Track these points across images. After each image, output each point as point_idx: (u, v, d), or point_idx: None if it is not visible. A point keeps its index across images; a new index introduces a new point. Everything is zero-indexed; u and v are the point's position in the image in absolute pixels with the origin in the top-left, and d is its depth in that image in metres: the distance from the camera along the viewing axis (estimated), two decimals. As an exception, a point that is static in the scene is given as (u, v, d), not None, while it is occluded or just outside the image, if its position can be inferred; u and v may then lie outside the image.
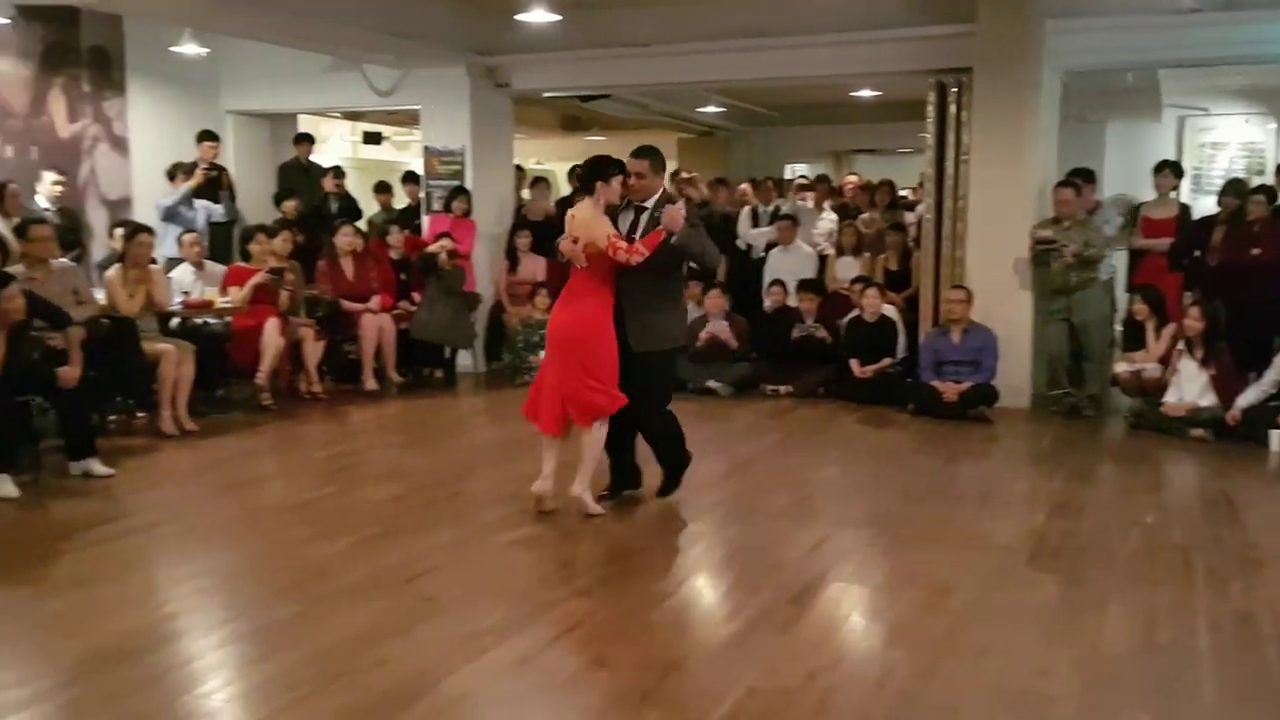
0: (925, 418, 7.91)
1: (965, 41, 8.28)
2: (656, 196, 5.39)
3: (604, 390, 5.22)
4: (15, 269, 6.25)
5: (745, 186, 10.83)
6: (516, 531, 5.26)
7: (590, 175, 5.37)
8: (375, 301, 8.95)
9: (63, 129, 9.09)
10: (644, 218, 5.35)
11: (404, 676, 3.55)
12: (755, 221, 10.15)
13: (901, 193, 11.07)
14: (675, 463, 5.64)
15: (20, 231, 6.64)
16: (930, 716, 3.36)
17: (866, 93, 12.79)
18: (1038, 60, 8.09)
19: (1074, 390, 8.09)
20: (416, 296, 9.32)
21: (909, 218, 9.89)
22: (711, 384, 8.84)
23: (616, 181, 5.30)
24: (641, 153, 5.41)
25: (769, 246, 9.78)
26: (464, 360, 9.88)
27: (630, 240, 5.24)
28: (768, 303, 9.28)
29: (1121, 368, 7.94)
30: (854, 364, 8.59)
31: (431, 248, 9.33)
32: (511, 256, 9.99)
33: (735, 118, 15.29)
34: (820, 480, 6.49)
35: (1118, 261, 8.84)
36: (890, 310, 8.75)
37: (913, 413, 8.07)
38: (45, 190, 8.14)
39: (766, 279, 9.44)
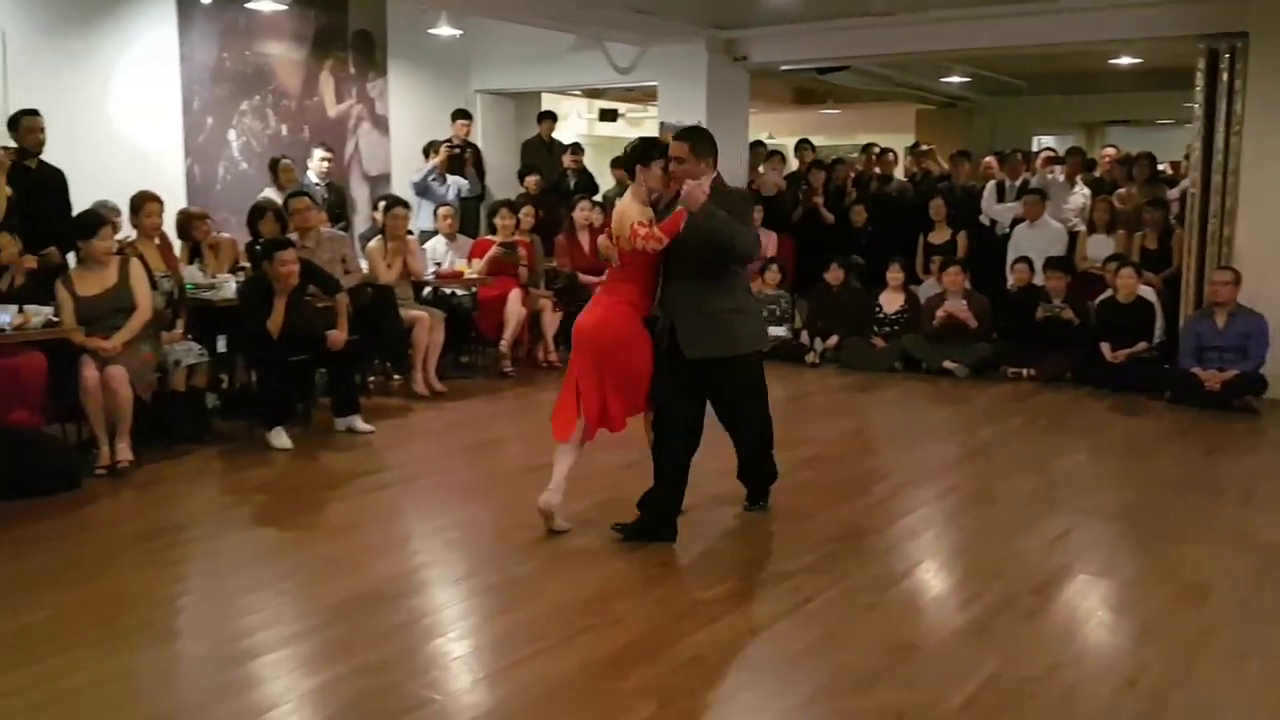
0: (1183, 406, 7.41)
1: (1241, 4, 7.66)
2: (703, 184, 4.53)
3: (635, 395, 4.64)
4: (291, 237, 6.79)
5: (990, 160, 10.41)
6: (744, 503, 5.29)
7: (631, 158, 4.78)
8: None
9: (330, 109, 9.75)
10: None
11: (640, 635, 3.65)
12: (1000, 196, 9.75)
13: (1159, 166, 10.35)
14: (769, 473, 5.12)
15: (285, 203, 7.21)
16: (1185, 718, 3.17)
17: (1125, 60, 11.99)
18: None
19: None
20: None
21: (1171, 193, 9.24)
22: (948, 364, 8.58)
23: (657, 166, 4.57)
24: (685, 135, 4.66)
25: (1014, 222, 9.37)
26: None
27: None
28: (1011, 281, 8.90)
29: None
30: (1105, 347, 8.13)
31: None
32: (744, 231, 9.99)
33: (980, 88, 14.71)
34: (1066, 468, 6.19)
35: None
36: (1147, 291, 8.21)
37: (1169, 401, 7.57)
38: (314, 166, 8.77)
39: (1010, 256, 9.04)
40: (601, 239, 4.79)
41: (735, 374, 4.65)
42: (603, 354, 4.58)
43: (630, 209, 4.54)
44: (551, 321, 8.72)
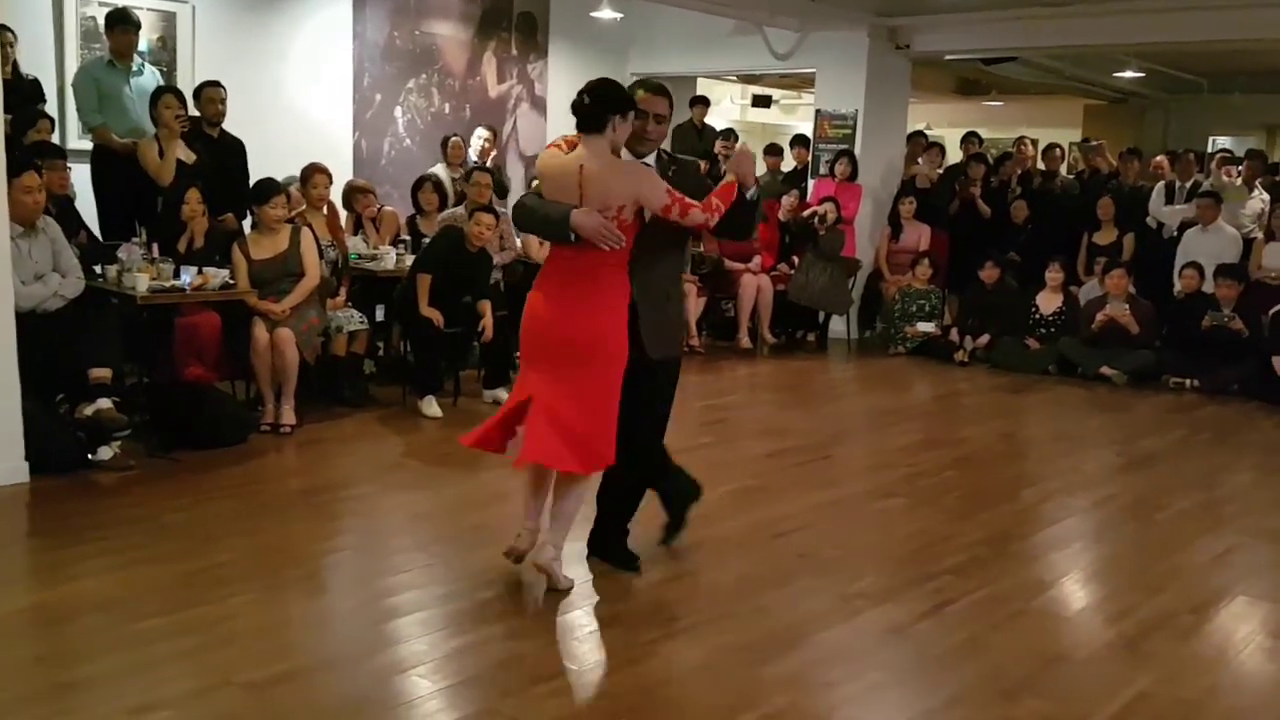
0: (1364, 429, 6.98)
1: None
2: (653, 156, 3.86)
3: (608, 431, 3.75)
4: (457, 211, 7.00)
5: (1162, 159, 9.95)
6: (889, 500, 5.24)
7: (603, 104, 3.65)
8: (756, 262, 9.14)
9: (492, 89, 9.97)
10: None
11: (780, 625, 3.65)
12: (1170, 198, 9.31)
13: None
14: (683, 501, 4.30)
15: (465, 179, 7.41)
16: (1357, 759, 3.00)
17: (1317, 58, 11.29)
18: None
19: None
20: (796, 259, 9.41)
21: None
22: (1106, 370, 8.26)
23: (634, 123, 3.71)
24: (661, 90, 3.81)
25: (1184, 226, 8.94)
26: (837, 326, 9.87)
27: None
28: (1178, 287, 8.50)
29: None
30: (1277, 361, 7.70)
31: (808, 211, 9.37)
32: (894, 223, 9.84)
33: (1155, 84, 14.04)
34: (1232, 485, 5.90)
35: None
36: (1329, 304, 7.75)
37: (1348, 422, 7.14)
38: (475, 145, 8.97)
39: (1179, 261, 8.63)
40: (589, 217, 3.61)
41: (670, 375, 3.98)
42: (583, 362, 3.72)
43: (636, 174, 3.68)
44: (695, 306, 8.75)
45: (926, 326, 9.26)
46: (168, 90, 6.60)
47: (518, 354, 7.82)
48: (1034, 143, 10.88)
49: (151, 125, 6.47)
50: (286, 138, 7.86)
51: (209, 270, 5.71)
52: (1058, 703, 3.20)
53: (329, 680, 3.20)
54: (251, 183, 6.45)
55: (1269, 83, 13.24)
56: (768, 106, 15.79)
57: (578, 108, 3.68)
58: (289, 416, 5.86)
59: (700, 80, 12.15)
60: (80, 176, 6.63)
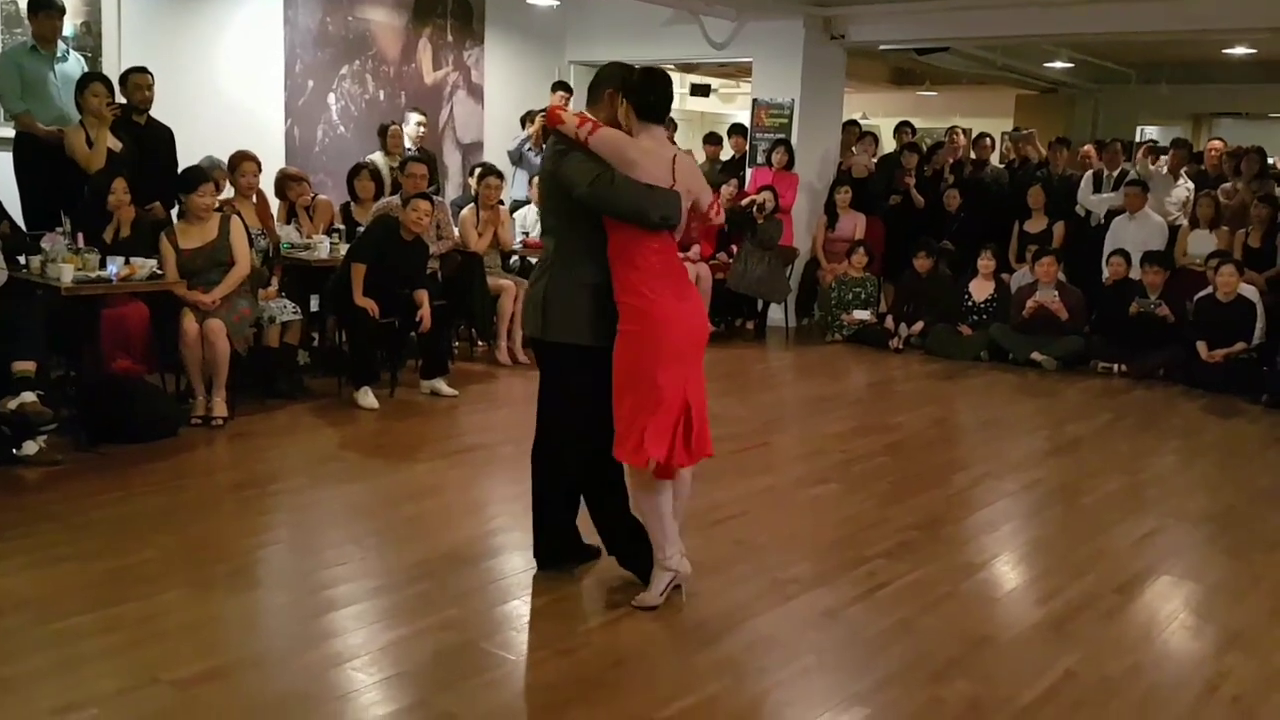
0: (1282, 411, 7.19)
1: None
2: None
3: None
4: (392, 200, 6.91)
5: (1089, 148, 10.14)
6: (824, 486, 5.30)
7: (627, 87, 3.63)
8: (694, 250, 9.16)
9: (427, 76, 9.86)
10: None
11: (715, 612, 3.68)
12: (1098, 186, 9.50)
13: (1269, 161, 9.98)
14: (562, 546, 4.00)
15: (401, 168, 7.34)
16: (1271, 731, 3.10)
17: (1240, 50, 11.58)
18: None
19: None
20: (734, 248, 9.45)
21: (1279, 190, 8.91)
22: (1036, 356, 8.42)
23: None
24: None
25: (1112, 214, 9.14)
26: (775, 314, 9.94)
27: None
28: (1106, 274, 8.69)
29: None
30: (1202, 346, 7.90)
31: (746, 200, 9.41)
32: (830, 212, 9.93)
33: (1085, 74, 14.32)
34: (1155, 468, 6.05)
35: None
36: (1249, 290, 7.95)
37: (1267, 404, 7.35)
38: (410, 131, 8.87)
39: (1107, 249, 8.83)
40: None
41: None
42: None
43: (690, 159, 3.76)
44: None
45: (862, 314, 9.36)
46: (95, 77, 6.45)
47: (454, 344, 7.81)
48: (966, 132, 11.03)
49: (76, 112, 6.32)
50: (216, 125, 7.72)
51: (136, 260, 5.60)
52: (986, 683, 3.27)
53: (260, 676, 3.17)
54: (179, 171, 6.32)
55: (1195, 73, 13.58)
56: (706, 95, 15.81)
57: (666, 98, 3.64)
58: (220, 409, 5.77)
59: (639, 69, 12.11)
60: (2, 165, 6.45)
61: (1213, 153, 10.12)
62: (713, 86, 15.83)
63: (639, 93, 3.61)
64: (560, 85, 10.05)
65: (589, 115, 3.63)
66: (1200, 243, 8.66)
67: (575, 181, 3.51)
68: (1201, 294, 8.07)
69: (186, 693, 3.01)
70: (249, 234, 6.19)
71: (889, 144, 11.56)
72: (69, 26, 7.03)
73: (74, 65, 6.65)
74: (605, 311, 3.59)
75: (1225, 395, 7.57)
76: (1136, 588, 4.11)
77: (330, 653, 3.31)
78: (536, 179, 3.11)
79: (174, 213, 6.46)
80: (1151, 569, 4.32)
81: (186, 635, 3.36)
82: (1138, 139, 13.37)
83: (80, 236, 5.67)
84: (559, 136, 3.62)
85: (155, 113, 6.80)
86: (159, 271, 5.69)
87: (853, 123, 11.14)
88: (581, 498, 3.91)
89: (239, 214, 6.24)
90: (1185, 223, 8.97)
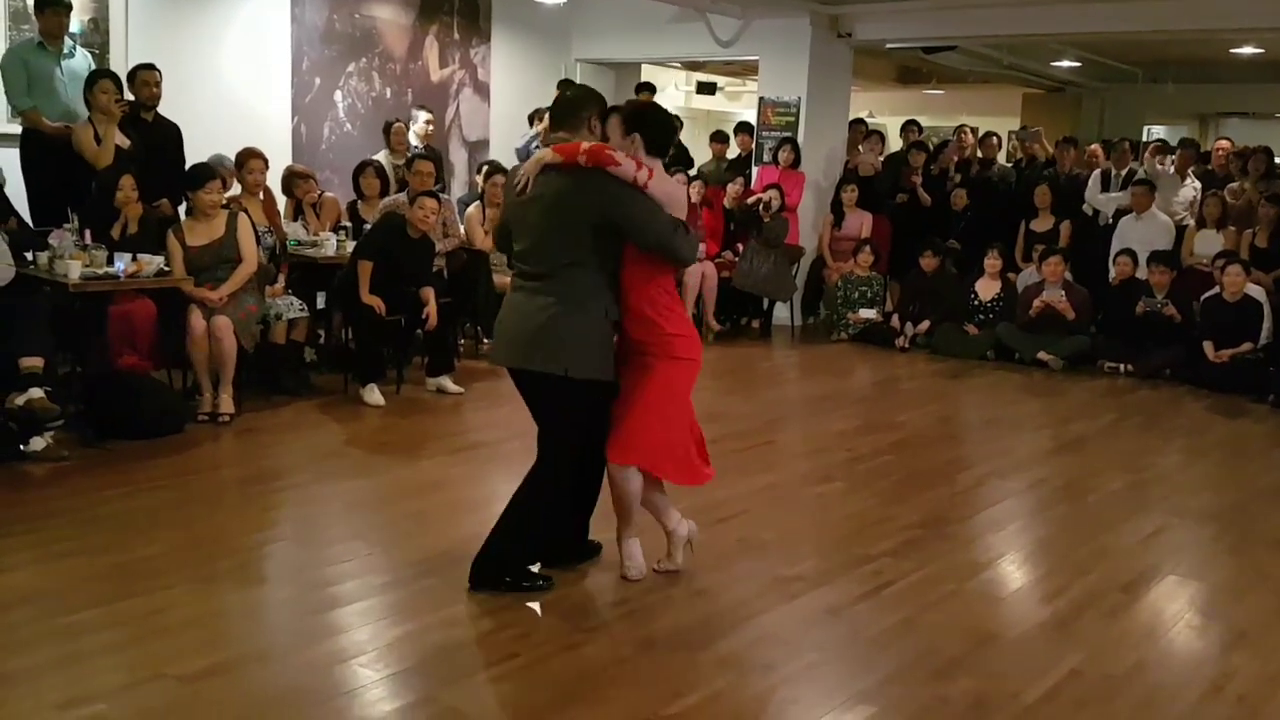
0: (1288, 411, 7.18)
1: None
2: None
3: None
4: (398, 198, 6.92)
5: (1097, 147, 10.12)
6: (828, 485, 5.30)
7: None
8: (701, 249, 9.16)
9: (434, 73, 9.87)
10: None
11: (719, 609, 3.69)
12: (1106, 186, 9.48)
13: (1276, 161, 9.96)
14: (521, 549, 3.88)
15: (408, 166, 7.35)
16: (1276, 730, 3.10)
17: (1248, 50, 11.56)
18: None
19: None
20: (740, 247, 9.45)
21: (1287, 190, 8.89)
22: (1043, 355, 8.41)
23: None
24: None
25: (1119, 214, 9.12)
26: (781, 312, 9.93)
27: None
28: (1113, 273, 8.67)
29: None
30: (1208, 346, 7.89)
31: (752, 199, 9.42)
32: (837, 211, 9.92)
33: (1091, 73, 14.30)
34: (1161, 467, 6.04)
35: None
36: (1256, 291, 7.93)
37: (1273, 405, 7.33)
38: (417, 129, 8.88)
39: (1114, 248, 8.80)
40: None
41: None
42: None
43: None
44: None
45: (868, 313, 9.36)
46: (103, 74, 6.47)
47: (460, 341, 7.82)
48: (974, 131, 11.02)
49: (84, 109, 6.34)
50: (223, 122, 7.73)
51: (143, 257, 5.62)
52: (990, 681, 3.27)
53: (265, 672, 3.18)
54: (187, 168, 6.33)
55: (1202, 73, 13.55)
56: (712, 93, 15.82)
57: (675, 137, 3.84)
58: (227, 405, 5.78)
59: (645, 67, 12.14)
60: (9, 161, 6.47)
61: (1219, 152, 10.10)
62: (719, 84, 15.84)
63: (655, 129, 3.66)
64: (565, 83, 10.05)
65: (638, 158, 3.58)
66: (1207, 242, 8.63)
67: (654, 229, 3.52)
68: (1208, 294, 8.05)
69: (191, 687, 3.02)
70: (256, 231, 6.20)
71: (895, 143, 11.55)
72: (76, 23, 7.05)
73: (81, 62, 6.67)
74: (612, 347, 3.68)
75: (1231, 395, 7.55)
76: (1141, 586, 4.11)
77: (335, 648, 3.32)
78: (547, 209, 3.15)
79: (181, 210, 6.48)
80: (1156, 568, 4.31)
81: (191, 630, 3.37)
82: (1144, 138, 13.34)
83: (88, 233, 5.69)
84: (607, 175, 3.50)
85: (162, 110, 6.82)
86: (166, 268, 5.70)
87: (859, 121, 11.13)
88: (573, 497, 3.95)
89: (246, 211, 6.25)
90: (1192, 222, 8.94)
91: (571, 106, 3.74)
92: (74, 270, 5.29)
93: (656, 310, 3.66)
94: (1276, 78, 12.62)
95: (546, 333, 3.58)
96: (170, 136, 6.82)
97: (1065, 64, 13.40)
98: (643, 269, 3.62)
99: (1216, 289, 7.98)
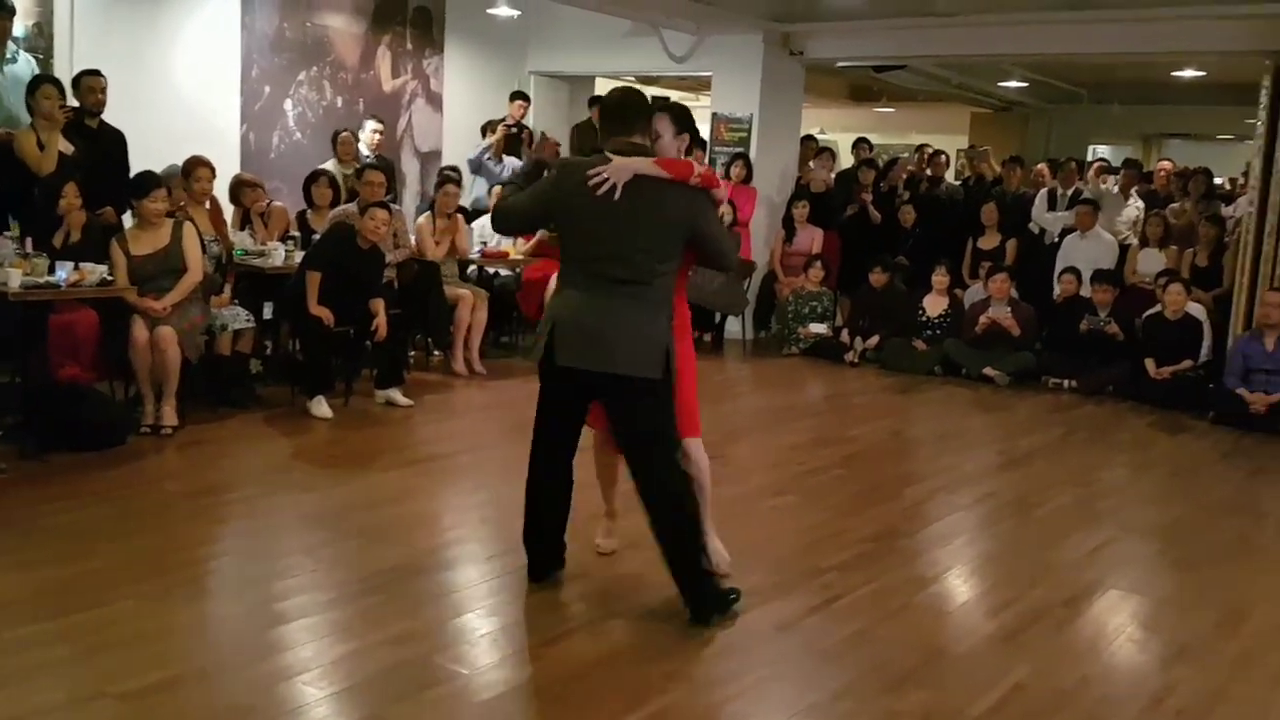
0: (1227, 428, 7.32)
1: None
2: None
3: None
4: (348, 208, 6.86)
5: (1043, 167, 10.30)
6: (781, 498, 5.32)
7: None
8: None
9: (386, 83, 9.81)
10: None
11: (670, 624, 3.67)
12: (1052, 205, 9.65)
13: (1217, 181, 10.21)
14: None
15: (358, 175, 7.28)
16: (1216, 742, 3.16)
17: (1189, 72, 11.82)
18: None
19: None
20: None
21: (1225, 210, 9.11)
22: (989, 371, 8.52)
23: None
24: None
25: (1064, 232, 9.28)
26: (733, 326, 9.97)
27: None
28: (1058, 291, 8.82)
29: None
30: (1150, 363, 8.05)
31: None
32: (788, 226, 9.99)
33: (1038, 94, 14.55)
34: (1105, 483, 6.14)
35: None
36: (1196, 309, 8.11)
37: (1213, 421, 7.48)
38: (366, 138, 8.81)
39: (1059, 266, 8.97)
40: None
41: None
42: None
43: None
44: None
45: (819, 328, 9.43)
46: (46, 79, 6.34)
47: (410, 353, 7.75)
48: (939, 153, 11.16)
49: (26, 115, 6.21)
50: (170, 129, 7.61)
51: (86, 266, 5.50)
52: (940, 693, 3.29)
53: (210, 689, 3.12)
54: (132, 176, 6.23)
55: (1145, 94, 13.85)
56: (665, 108, 15.89)
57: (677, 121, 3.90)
58: (170, 417, 5.69)
59: (599, 80, 12.15)
60: (-53, 166, 6.32)
61: (1161, 173, 10.34)
62: (671, 99, 15.91)
63: (695, 130, 4.06)
64: (518, 95, 10.05)
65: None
66: (1149, 261, 8.82)
67: (727, 243, 3.99)
68: (1150, 312, 8.22)
69: (134, 705, 2.95)
70: (202, 240, 6.11)
71: (847, 159, 11.67)
72: (19, 27, 6.92)
73: (24, 67, 6.55)
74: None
75: (1172, 411, 7.70)
76: (1085, 601, 4.17)
77: (281, 665, 3.26)
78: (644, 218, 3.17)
79: (125, 218, 6.37)
80: (1100, 582, 4.38)
81: (133, 647, 3.30)
82: (1089, 158, 13.60)
83: (29, 241, 5.56)
84: (706, 193, 3.77)
85: (108, 116, 6.69)
86: (109, 277, 5.60)
87: (810, 138, 11.23)
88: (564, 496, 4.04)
89: (192, 220, 6.16)
90: (1135, 241, 9.13)
91: (623, 110, 3.80)
92: (14, 279, 5.17)
93: (679, 310, 4.03)
94: (1217, 100, 12.91)
95: (644, 337, 3.68)
96: (115, 143, 6.69)
97: (1013, 84, 13.64)
98: (683, 273, 3.99)
99: (1158, 307, 8.15)
